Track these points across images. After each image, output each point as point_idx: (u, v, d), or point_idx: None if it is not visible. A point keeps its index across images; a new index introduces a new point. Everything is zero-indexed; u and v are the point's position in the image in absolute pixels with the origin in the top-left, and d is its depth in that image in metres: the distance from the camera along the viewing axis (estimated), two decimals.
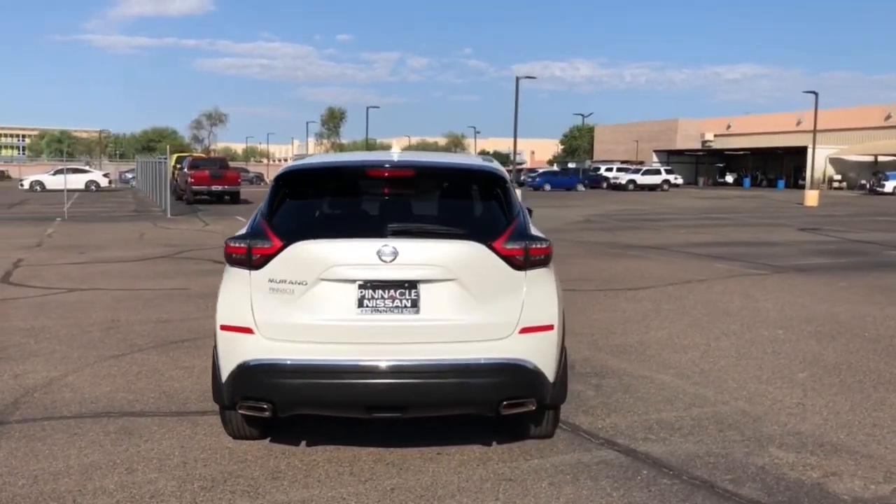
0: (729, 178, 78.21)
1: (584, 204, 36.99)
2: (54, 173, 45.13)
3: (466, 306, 4.05)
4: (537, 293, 4.20)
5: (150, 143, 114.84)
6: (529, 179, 57.25)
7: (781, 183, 69.04)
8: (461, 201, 4.55)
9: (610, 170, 63.83)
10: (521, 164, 71.73)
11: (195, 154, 45.62)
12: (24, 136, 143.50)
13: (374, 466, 4.35)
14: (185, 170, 33.42)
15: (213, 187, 32.61)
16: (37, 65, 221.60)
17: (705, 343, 7.51)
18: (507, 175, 4.62)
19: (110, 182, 48.48)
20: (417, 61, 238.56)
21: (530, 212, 6.68)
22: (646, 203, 39.36)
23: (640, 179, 59.00)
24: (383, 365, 3.94)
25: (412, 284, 4.02)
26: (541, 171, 62.78)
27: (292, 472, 4.26)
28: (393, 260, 3.98)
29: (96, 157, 37.88)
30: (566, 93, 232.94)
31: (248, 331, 4.03)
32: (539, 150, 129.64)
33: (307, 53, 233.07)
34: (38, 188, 44.74)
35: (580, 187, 56.99)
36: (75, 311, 8.93)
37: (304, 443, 4.71)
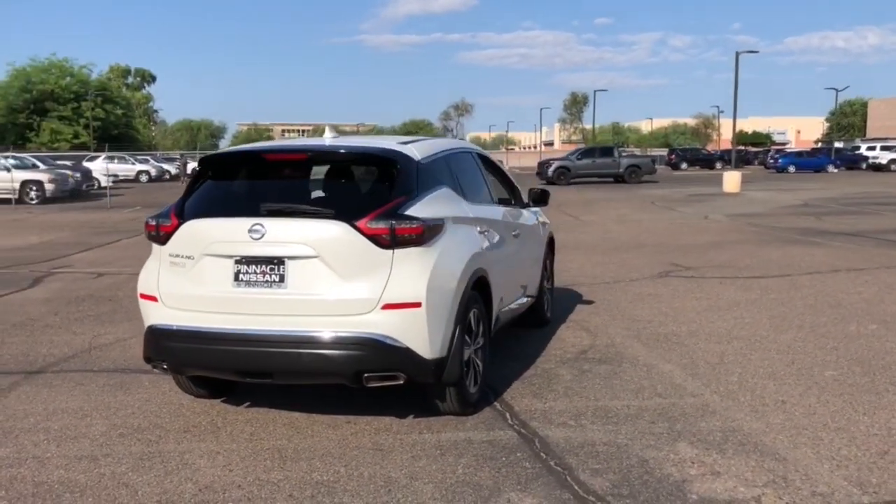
0: None
1: (818, 187, 33.85)
2: None
3: (330, 282, 4.30)
4: (405, 271, 4.33)
5: (408, 134, 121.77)
6: (772, 161, 53.26)
7: None
8: (345, 183, 4.77)
9: (872, 148, 57.39)
10: (783, 143, 66.56)
11: None
12: (303, 132, 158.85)
13: (277, 429, 4.74)
14: None
15: None
16: (319, 66, 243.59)
17: (764, 335, 6.97)
18: (407, 158, 4.73)
19: None
20: (680, 40, 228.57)
21: (544, 194, 6.71)
22: None
23: None
24: (251, 334, 4.31)
25: (280, 261, 4.35)
26: (788, 151, 58.02)
27: (203, 428, 4.78)
28: (261, 238, 4.33)
29: None
30: (851, 65, 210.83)
31: (153, 299, 4.61)
32: (806, 129, 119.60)
33: (566, 40, 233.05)
34: None
35: (831, 168, 51.97)
36: None
37: (246, 404, 5.21)
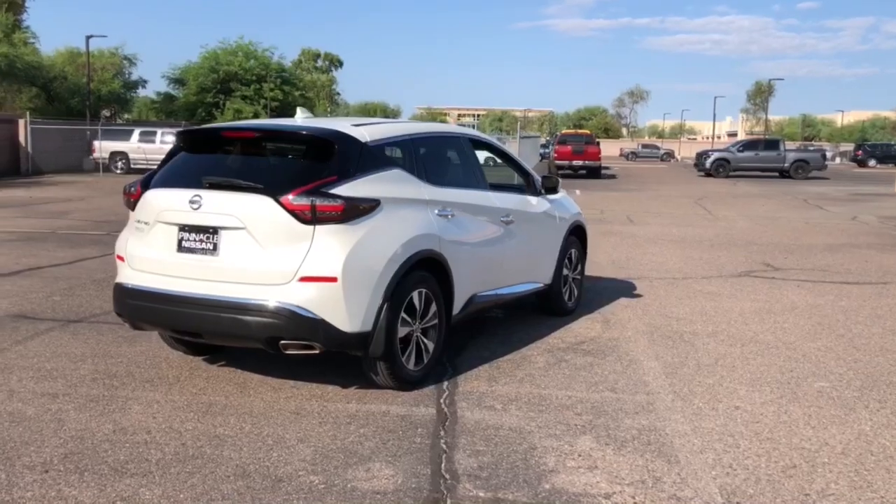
0: None
1: None
2: None
3: (254, 253, 4.60)
4: (323, 247, 4.55)
5: (582, 120, 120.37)
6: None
7: None
8: (285, 161, 5.03)
9: None
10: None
11: (566, 131, 47.32)
12: (477, 116, 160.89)
13: (226, 387, 5.12)
14: (553, 146, 35.16)
15: (574, 162, 33.86)
16: (499, 51, 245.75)
17: (790, 342, 6.60)
18: (349, 140, 4.92)
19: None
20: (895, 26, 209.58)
21: (553, 182, 6.69)
22: None
23: None
24: (186, 296, 4.69)
25: (214, 230, 4.69)
26: None
27: (165, 380, 5.25)
28: (199, 208, 4.70)
29: (514, 135, 41.78)
30: None
31: (122, 259, 5.11)
32: None
33: (764, 25, 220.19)
34: None
35: None
36: None
37: (221, 363, 5.64)
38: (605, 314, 7.53)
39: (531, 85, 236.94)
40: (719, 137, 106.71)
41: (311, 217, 4.52)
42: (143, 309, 4.90)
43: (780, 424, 4.59)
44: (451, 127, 6.13)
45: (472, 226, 5.70)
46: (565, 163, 33.70)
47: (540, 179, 6.99)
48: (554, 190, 7.03)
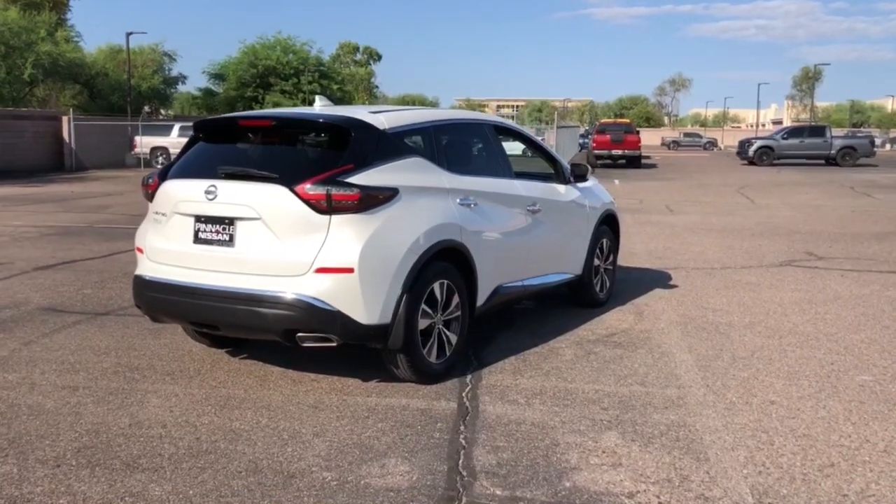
0: None
1: None
2: None
3: (270, 243, 4.50)
4: (340, 237, 4.44)
5: (623, 110, 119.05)
6: None
7: None
8: (301, 149, 4.91)
9: None
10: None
11: (605, 120, 46.68)
12: (517, 107, 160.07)
13: (245, 380, 5.05)
14: (592, 135, 34.73)
15: (613, 151, 33.39)
16: (539, 41, 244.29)
17: (831, 333, 6.35)
18: (367, 127, 4.80)
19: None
20: None
21: (583, 170, 6.53)
22: None
23: None
24: (202, 288, 4.62)
25: (230, 221, 4.61)
26: None
27: (186, 373, 5.20)
28: (214, 199, 4.62)
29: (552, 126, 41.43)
30: None
31: (141, 251, 5.06)
32: None
33: (811, 9, 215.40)
34: None
35: None
36: None
37: (243, 356, 5.58)
38: (639, 305, 7.32)
39: (571, 75, 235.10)
40: (763, 126, 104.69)
41: (326, 207, 4.42)
42: (160, 301, 4.85)
43: (818, 420, 4.38)
44: (473, 114, 5.96)
45: (496, 215, 5.55)
46: (604, 152, 33.25)
47: (569, 167, 6.81)
48: (583, 178, 6.85)
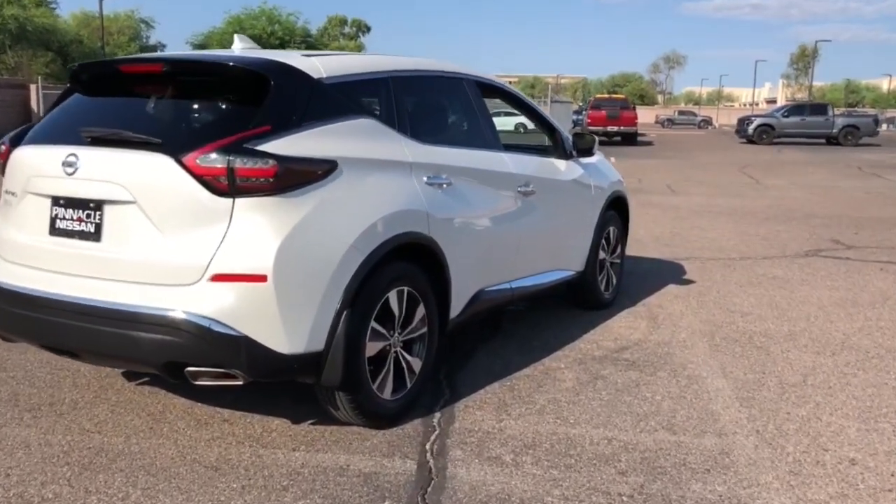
0: None
1: None
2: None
3: (147, 238, 3.15)
4: (248, 230, 3.08)
5: (616, 87, 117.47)
6: None
7: None
8: (199, 104, 3.51)
9: None
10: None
11: (599, 96, 45.13)
12: (509, 82, 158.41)
13: (133, 420, 3.72)
14: (586, 111, 33.33)
15: (609, 128, 31.99)
16: (536, 17, 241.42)
17: (876, 346, 5.09)
18: (295, 75, 3.43)
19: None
20: None
21: (587, 142, 5.23)
22: None
23: None
24: (52, 300, 3.26)
25: (98, 205, 3.24)
26: None
27: (49, 408, 3.86)
28: (74, 172, 3.25)
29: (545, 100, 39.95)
30: None
31: None
32: None
33: None
34: None
35: None
36: None
37: (142, 379, 4.24)
38: (651, 307, 6.02)
39: (564, 51, 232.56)
40: (757, 104, 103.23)
41: (227, 186, 3.06)
42: (7, 316, 3.47)
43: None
44: (449, 65, 4.51)
45: (477, 198, 4.22)
46: (599, 129, 31.79)
47: (570, 138, 5.45)
48: (588, 151, 5.51)
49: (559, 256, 5.21)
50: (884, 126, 60.56)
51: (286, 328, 3.11)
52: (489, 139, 4.57)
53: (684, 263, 7.78)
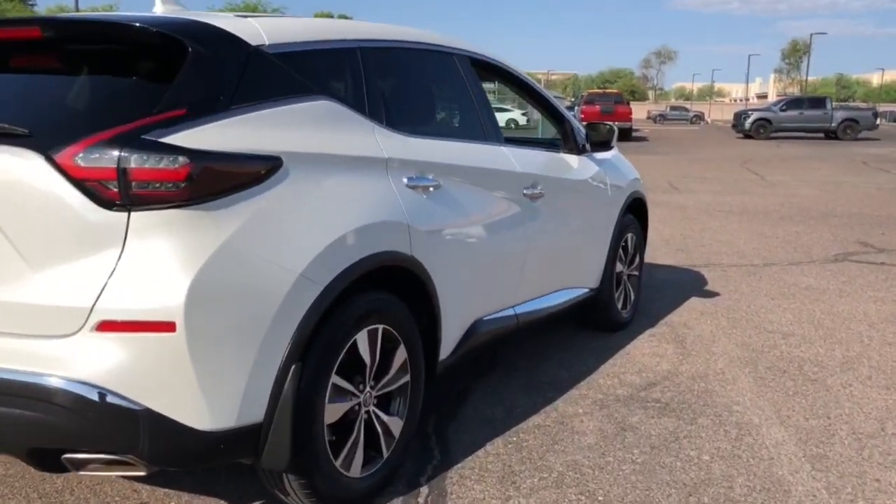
0: None
1: None
2: None
3: (9, 268, 2.22)
4: (148, 258, 2.15)
5: (605, 83, 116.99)
6: None
7: None
8: (88, 81, 2.57)
9: None
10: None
11: (592, 90, 44.32)
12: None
13: (67, 499, 2.79)
14: (579, 106, 32.47)
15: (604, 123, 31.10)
16: (525, 12, 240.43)
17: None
18: (223, 41, 2.50)
19: (528, 120, 49.82)
20: None
21: (606, 133, 4.36)
22: None
23: None
24: None
25: None
26: None
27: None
28: None
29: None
30: None
31: None
32: None
33: None
34: None
35: None
36: None
37: None
38: (676, 327, 5.13)
39: (554, 47, 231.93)
40: (748, 100, 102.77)
41: (119, 193, 2.13)
42: None
43: None
44: (435, 35, 3.50)
45: (473, 204, 3.31)
46: None
47: (583, 130, 4.54)
48: (606, 145, 4.62)
49: (571, 272, 4.31)
50: (878, 120, 60.09)
51: (206, 395, 2.18)
52: (487, 129, 3.65)
53: (703, 271, 6.91)
